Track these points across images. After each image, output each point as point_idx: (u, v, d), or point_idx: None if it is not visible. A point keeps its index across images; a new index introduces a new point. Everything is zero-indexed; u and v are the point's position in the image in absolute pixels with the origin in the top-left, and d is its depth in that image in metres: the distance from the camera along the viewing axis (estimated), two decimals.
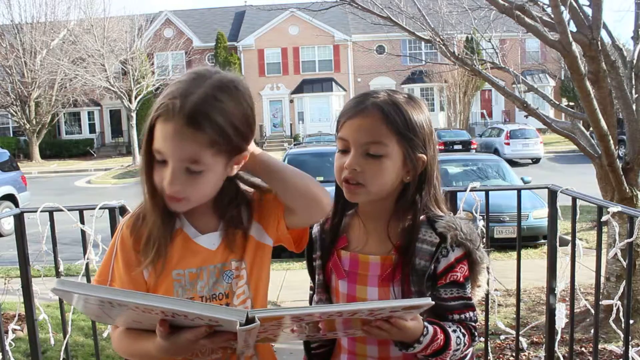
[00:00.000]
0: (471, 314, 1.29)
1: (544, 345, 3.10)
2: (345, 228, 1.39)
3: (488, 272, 1.40)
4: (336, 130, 1.32)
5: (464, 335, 1.26)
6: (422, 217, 1.31)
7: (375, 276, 1.30)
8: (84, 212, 2.60)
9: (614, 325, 2.45)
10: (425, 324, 1.18)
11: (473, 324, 1.30)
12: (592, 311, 2.64)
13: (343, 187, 1.30)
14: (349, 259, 1.35)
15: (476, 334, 1.31)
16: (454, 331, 1.25)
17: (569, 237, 2.58)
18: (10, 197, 10.17)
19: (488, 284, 2.89)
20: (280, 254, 6.54)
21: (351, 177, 1.26)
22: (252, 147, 1.24)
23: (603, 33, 3.82)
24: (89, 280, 2.65)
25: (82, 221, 2.59)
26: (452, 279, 1.27)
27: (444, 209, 1.34)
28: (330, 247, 1.38)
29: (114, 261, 1.24)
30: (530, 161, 20.86)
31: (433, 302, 1.07)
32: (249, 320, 0.96)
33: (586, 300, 3.50)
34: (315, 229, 1.43)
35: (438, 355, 1.22)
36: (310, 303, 1.43)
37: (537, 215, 7.40)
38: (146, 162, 1.17)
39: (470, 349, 1.38)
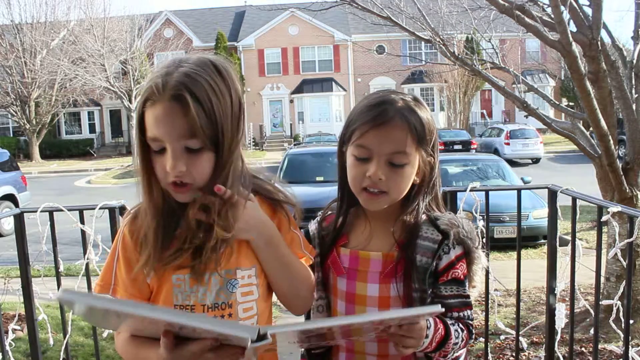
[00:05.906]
0: (469, 312, 1.31)
1: (544, 345, 3.10)
2: (347, 227, 1.39)
3: (488, 275, 1.41)
4: (349, 135, 1.29)
5: (462, 330, 1.27)
6: (424, 216, 1.33)
7: (376, 273, 1.31)
8: (84, 212, 2.59)
9: (614, 325, 2.45)
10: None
11: (471, 322, 1.31)
12: (592, 311, 2.64)
13: (362, 195, 1.29)
14: (348, 256, 1.35)
15: (473, 332, 1.32)
16: (452, 324, 1.26)
17: (569, 237, 2.58)
18: (10, 197, 10.16)
19: (488, 285, 2.87)
20: None
21: (374, 186, 1.26)
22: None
23: (603, 33, 3.82)
24: (89, 280, 2.66)
25: (82, 221, 2.59)
26: (453, 276, 1.29)
27: (442, 209, 1.38)
28: (330, 245, 1.38)
29: (116, 265, 1.21)
30: (530, 161, 20.84)
31: (443, 309, 1.06)
32: (260, 336, 0.94)
33: (586, 300, 3.50)
34: (313, 226, 1.44)
35: (441, 348, 1.22)
36: None
37: (537, 215, 7.40)
38: (142, 154, 1.14)
39: (464, 351, 1.38)
